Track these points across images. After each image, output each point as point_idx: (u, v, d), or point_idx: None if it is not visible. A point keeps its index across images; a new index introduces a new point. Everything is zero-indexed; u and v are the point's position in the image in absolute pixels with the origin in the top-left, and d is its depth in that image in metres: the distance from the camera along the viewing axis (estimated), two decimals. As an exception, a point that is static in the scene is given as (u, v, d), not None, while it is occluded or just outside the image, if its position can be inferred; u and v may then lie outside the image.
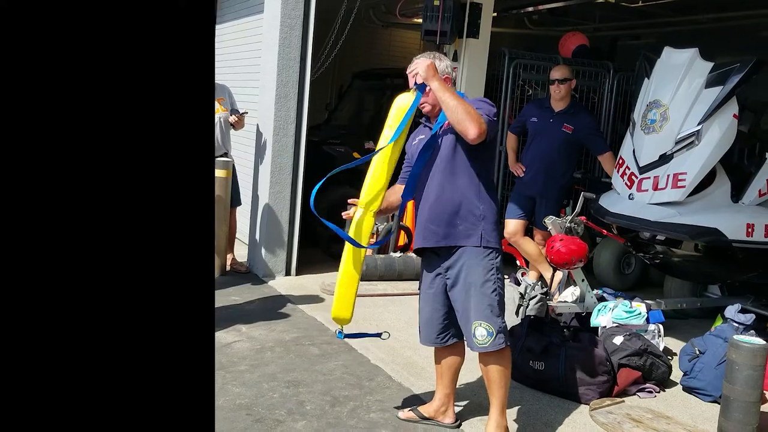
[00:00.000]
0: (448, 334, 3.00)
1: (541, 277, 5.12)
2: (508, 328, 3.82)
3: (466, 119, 2.66)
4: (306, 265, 5.68)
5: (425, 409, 3.13)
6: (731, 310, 3.89)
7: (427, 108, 2.93)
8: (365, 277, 5.43)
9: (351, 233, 2.94)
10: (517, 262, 5.83)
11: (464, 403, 3.32)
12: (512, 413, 3.27)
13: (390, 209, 3.14)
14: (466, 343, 2.92)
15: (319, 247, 6.37)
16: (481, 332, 2.77)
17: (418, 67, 2.81)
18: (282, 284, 5.29)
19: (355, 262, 2.98)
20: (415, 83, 2.86)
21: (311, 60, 5.37)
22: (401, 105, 2.95)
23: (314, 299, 4.96)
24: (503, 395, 2.88)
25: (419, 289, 3.06)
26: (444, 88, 2.74)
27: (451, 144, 2.84)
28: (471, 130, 2.66)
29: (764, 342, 3.25)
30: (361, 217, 2.95)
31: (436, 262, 2.92)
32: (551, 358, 3.54)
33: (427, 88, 2.84)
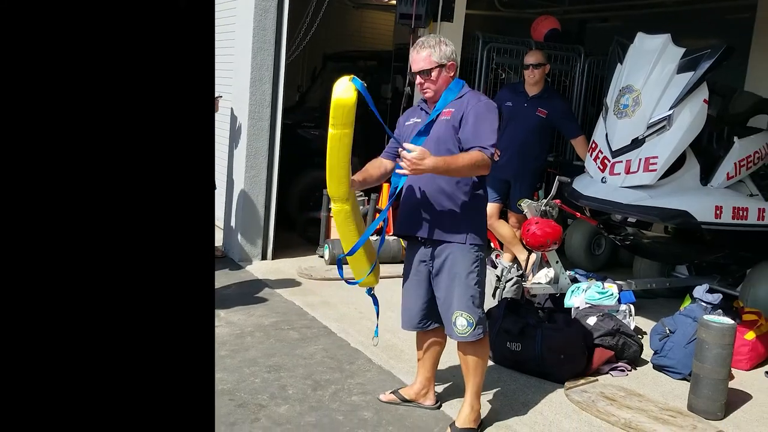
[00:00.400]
0: (429, 320, 3.02)
1: (515, 260, 5.20)
2: (486, 310, 3.92)
3: (474, 170, 2.70)
4: (282, 249, 5.68)
5: (406, 392, 3.18)
6: (699, 290, 4.00)
7: (428, 94, 2.85)
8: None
9: (340, 232, 2.86)
10: (491, 245, 5.91)
11: (445, 385, 3.38)
12: (490, 394, 3.34)
13: (369, 182, 2.97)
14: (445, 330, 2.96)
15: (296, 231, 6.38)
16: (461, 322, 2.81)
17: (418, 165, 2.53)
18: (259, 269, 5.29)
19: (347, 228, 2.83)
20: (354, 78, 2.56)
21: (286, 42, 5.33)
22: (341, 101, 2.57)
23: (292, 283, 4.97)
24: (479, 382, 2.95)
25: (403, 273, 3.07)
26: (446, 165, 2.60)
27: (448, 136, 2.78)
28: (482, 172, 2.75)
29: (732, 321, 3.38)
30: (337, 209, 2.81)
31: (422, 250, 2.93)
32: (528, 339, 3.62)
33: (432, 74, 2.78)
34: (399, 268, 3.30)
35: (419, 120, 2.90)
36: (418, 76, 2.84)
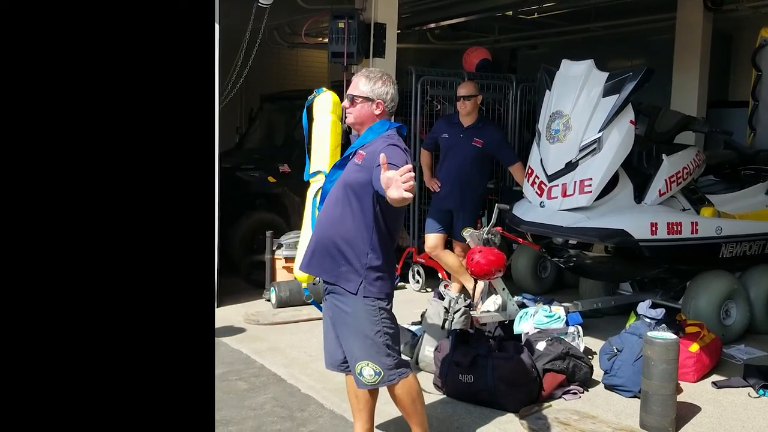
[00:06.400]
0: None
1: (463, 289, 5.21)
2: (437, 344, 3.89)
3: (400, 205, 2.43)
4: (227, 296, 5.55)
5: None
6: (643, 307, 4.07)
7: (348, 119, 2.77)
8: (289, 302, 5.38)
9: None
10: (439, 275, 5.92)
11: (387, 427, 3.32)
12: (445, 429, 3.30)
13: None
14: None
15: (240, 275, 6.25)
16: (368, 371, 2.67)
17: (392, 191, 2.31)
18: (204, 318, 5.15)
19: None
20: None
21: (218, 86, 5.28)
22: (335, 98, 3.28)
23: (238, 330, 4.85)
24: (421, 420, 2.83)
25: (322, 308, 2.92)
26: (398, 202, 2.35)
27: (356, 178, 2.64)
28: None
29: (675, 336, 3.44)
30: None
31: (326, 289, 2.80)
32: (479, 369, 3.60)
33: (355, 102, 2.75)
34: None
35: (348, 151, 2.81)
36: (345, 99, 2.82)
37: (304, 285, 3.08)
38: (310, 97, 3.33)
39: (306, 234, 3.06)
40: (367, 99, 2.73)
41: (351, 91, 2.76)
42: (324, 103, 3.32)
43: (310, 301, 3.22)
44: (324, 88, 3.35)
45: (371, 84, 2.73)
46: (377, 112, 2.75)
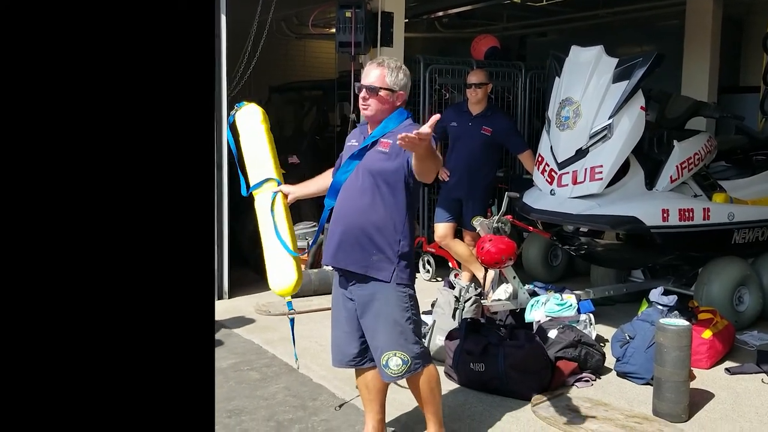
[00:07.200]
0: (363, 357, 2.84)
1: (474, 278, 5.20)
2: (448, 332, 3.89)
3: (430, 175, 2.60)
4: (238, 287, 5.58)
5: None
6: (655, 293, 4.05)
7: (368, 111, 2.74)
8: (299, 293, 5.38)
9: (287, 221, 2.97)
10: (450, 264, 5.92)
11: (398, 416, 3.32)
12: (457, 417, 3.30)
13: (321, 192, 3.01)
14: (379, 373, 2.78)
15: (250, 267, 6.27)
16: (395, 362, 2.67)
17: (410, 144, 2.39)
18: (216, 309, 5.17)
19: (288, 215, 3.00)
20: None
21: (226, 79, 5.28)
22: (263, 110, 3.16)
23: (249, 321, 4.87)
24: (437, 409, 2.84)
25: (332, 304, 2.93)
26: (432, 152, 2.49)
27: (383, 170, 2.67)
28: (429, 180, 2.66)
29: (687, 323, 3.42)
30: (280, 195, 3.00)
31: (347, 284, 2.78)
32: (490, 358, 3.59)
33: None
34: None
35: (356, 143, 2.80)
36: (364, 90, 2.72)
37: (287, 299, 3.01)
38: (231, 113, 3.16)
39: (272, 246, 2.95)
40: (391, 91, 2.73)
41: (373, 83, 2.71)
42: (251, 116, 3.12)
43: (289, 318, 3.06)
44: (245, 102, 3.17)
45: (394, 76, 2.73)
46: (398, 103, 2.76)
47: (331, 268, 2.91)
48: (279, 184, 3.02)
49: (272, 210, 2.95)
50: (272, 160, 3.06)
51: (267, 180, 3.01)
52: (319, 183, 3.06)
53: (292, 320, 3.06)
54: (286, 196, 3.01)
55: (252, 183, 3.04)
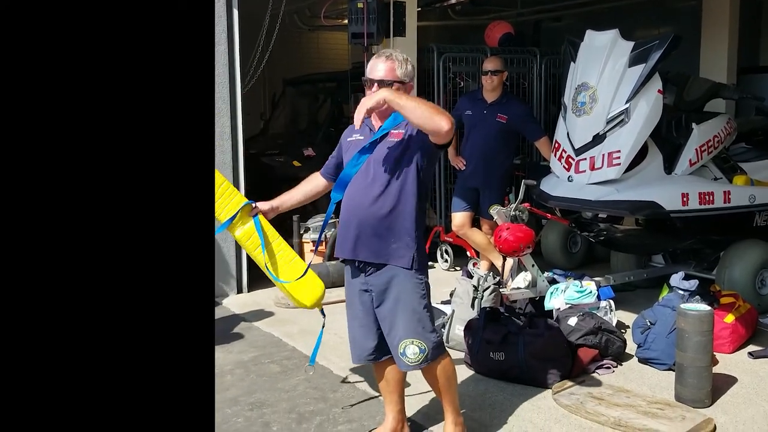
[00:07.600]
0: (381, 351, 2.83)
1: (492, 267, 5.18)
2: (466, 322, 3.88)
3: (435, 114, 2.51)
4: (258, 281, 5.58)
5: None
6: (676, 278, 4.01)
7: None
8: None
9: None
10: (468, 254, 5.90)
11: (419, 409, 3.33)
12: (478, 406, 3.30)
13: (289, 203, 3.04)
14: (396, 363, 2.78)
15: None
16: (413, 350, 2.67)
17: (366, 104, 2.56)
18: (235, 302, 5.21)
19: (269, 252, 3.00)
20: None
21: (240, 73, 5.29)
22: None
23: (269, 314, 4.90)
24: (454, 398, 2.84)
25: (346, 301, 2.92)
26: (397, 95, 2.54)
27: (398, 158, 2.68)
28: (443, 123, 2.50)
29: (709, 308, 3.38)
30: (248, 232, 2.98)
31: (362, 276, 2.78)
32: (510, 347, 3.58)
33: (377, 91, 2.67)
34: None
35: (362, 137, 2.79)
36: (375, 84, 2.70)
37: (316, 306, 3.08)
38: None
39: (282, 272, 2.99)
40: (402, 83, 2.74)
41: (385, 76, 2.70)
42: None
43: (322, 325, 3.21)
44: None
45: (403, 68, 2.74)
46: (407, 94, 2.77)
47: (341, 261, 2.91)
48: (252, 203, 2.98)
49: (261, 234, 2.96)
50: (230, 189, 3.02)
51: (239, 210, 2.96)
52: (305, 190, 3.05)
53: (321, 329, 3.18)
54: (265, 215, 3.01)
55: (224, 218, 2.96)
